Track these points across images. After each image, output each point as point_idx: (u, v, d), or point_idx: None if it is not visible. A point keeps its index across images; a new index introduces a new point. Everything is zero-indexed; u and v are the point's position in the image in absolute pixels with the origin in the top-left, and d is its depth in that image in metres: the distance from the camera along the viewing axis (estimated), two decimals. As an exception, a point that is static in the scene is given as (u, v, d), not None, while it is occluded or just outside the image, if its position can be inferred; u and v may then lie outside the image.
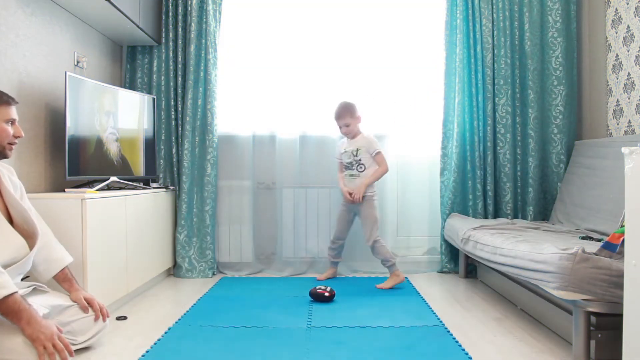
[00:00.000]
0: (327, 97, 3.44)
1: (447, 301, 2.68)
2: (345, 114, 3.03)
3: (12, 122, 1.82)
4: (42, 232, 1.92)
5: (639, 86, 2.78)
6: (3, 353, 1.60)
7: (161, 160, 3.38)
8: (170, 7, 3.33)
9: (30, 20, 2.38)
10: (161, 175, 3.37)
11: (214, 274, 3.36)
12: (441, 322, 2.29)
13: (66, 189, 2.43)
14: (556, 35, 3.31)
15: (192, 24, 3.28)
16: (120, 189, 2.82)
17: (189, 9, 3.29)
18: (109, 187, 2.77)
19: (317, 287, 2.69)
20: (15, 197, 1.82)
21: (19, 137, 1.84)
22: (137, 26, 2.96)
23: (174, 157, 3.38)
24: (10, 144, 1.82)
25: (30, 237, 1.84)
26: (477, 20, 3.31)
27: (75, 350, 1.82)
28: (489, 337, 2.10)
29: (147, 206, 2.88)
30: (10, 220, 1.82)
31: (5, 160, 1.88)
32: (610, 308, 1.70)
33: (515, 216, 3.33)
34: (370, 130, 3.46)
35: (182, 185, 3.29)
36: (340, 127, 3.08)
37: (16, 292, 1.61)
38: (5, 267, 1.70)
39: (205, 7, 3.29)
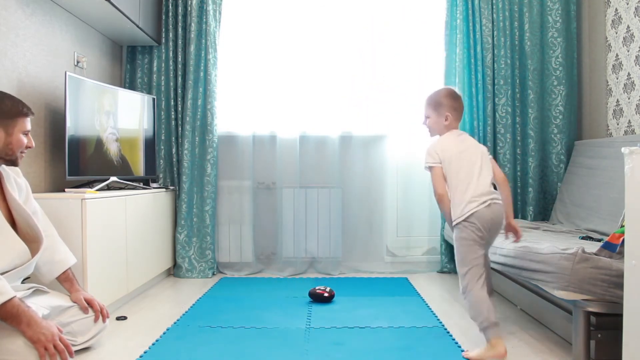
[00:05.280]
0: (327, 97, 3.45)
1: (446, 301, 2.68)
2: (430, 104, 2.11)
3: (27, 133, 1.82)
4: (47, 233, 1.92)
5: (639, 86, 2.78)
6: (4, 355, 1.60)
7: (161, 160, 3.38)
8: (170, 7, 3.33)
9: (30, 20, 2.38)
10: (161, 175, 3.37)
11: (213, 274, 3.36)
12: (440, 322, 2.29)
13: (66, 189, 2.43)
14: (556, 35, 3.31)
15: (192, 24, 3.28)
16: (120, 189, 2.82)
17: (189, 9, 3.29)
18: (109, 187, 2.77)
19: (317, 288, 2.69)
20: (19, 202, 1.82)
21: (29, 147, 1.84)
22: (137, 26, 2.96)
23: (174, 157, 3.38)
24: (22, 152, 1.83)
25: (33, 241, 1.84)
26: (477, 20, 3.31)
27: (75, 351, 1.82)
28: (489, 337, 2.10)
29: (147, 206, 2.88)
30: (14, 224, 1.82)
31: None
32: (610, 308, 1.70)
33: (515, 216, 3.32)
34: (370, 130, 3.48)
35: (182, 185, 3.29)
36: None
37: (14, 296, 1.61)
38: (6, 272, 1.70)
39: (205, 7, 3.29)
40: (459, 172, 1.97)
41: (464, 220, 1.92)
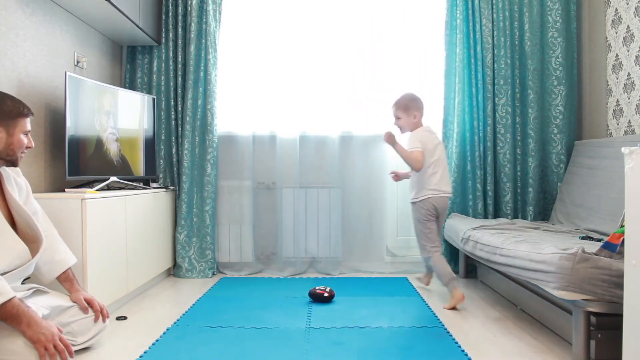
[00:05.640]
0: (327, 97, 3.45)
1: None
2: (400, 107, 2.69)
3: (27, 133, 1.83)
4: (47, 233, 1.92)
5: (639, 86, 2.78)
6: (4, 355, 1.60)
7: (161, 160, 3.38)
8: (170, 7, 3.33)
9: (30, 20, 2.38)
10: (161, 175, 3.37)
11: (213, 274, 3.36)
12: (440, 322, 2.29)
13: (66, 189, 2.43)
14: (556, 35, 3.31)
15: (192, 24, 3.28)
16: (120, 189, 2.82)
17: (189, 9, 3.29)
18: (109, 187, 2.77)
19: (317, 288, 2.69)
20: (18, 202, 1.82)
21: (29, 147, 1.85)
22: (137, 26, 2.96)
23: (174, 157, 3.38)
24: (22, 153, 1.83)
25: (33, 241, 1.84)
26: (477, 20, 3.31)
27: (75, 351, 1.82)
28: (489, 337, 2.10)
29: (147, 206, 2.88)
30: (14, 224, 1.82)
31: None
32: (610, 308, 1.70)
33: (515, 216, 3.33)
34: (370, 130, 3.48)
35: (182, 185, 3.29)
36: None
37: (14, 297, 1.61)
38: (6, 273, 1.70)
39: (205, 7, 3.29)
40: (434, 165, 2.60)
41: (425, 199, 2.61)
